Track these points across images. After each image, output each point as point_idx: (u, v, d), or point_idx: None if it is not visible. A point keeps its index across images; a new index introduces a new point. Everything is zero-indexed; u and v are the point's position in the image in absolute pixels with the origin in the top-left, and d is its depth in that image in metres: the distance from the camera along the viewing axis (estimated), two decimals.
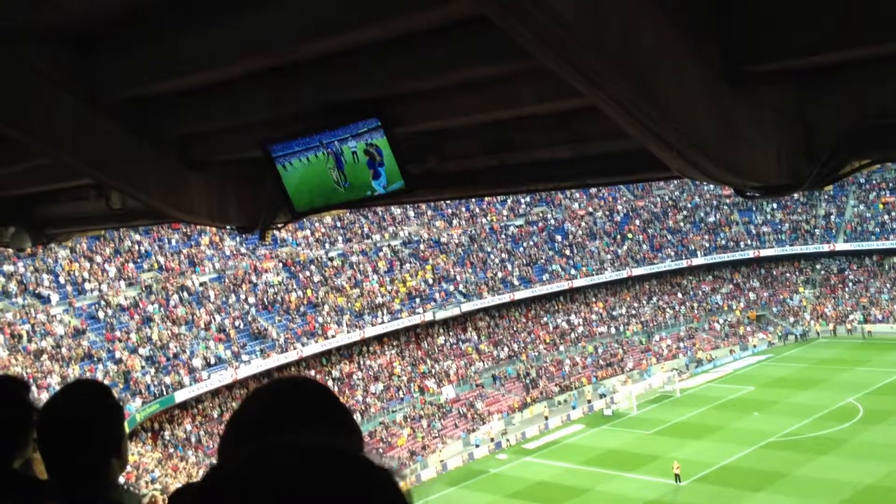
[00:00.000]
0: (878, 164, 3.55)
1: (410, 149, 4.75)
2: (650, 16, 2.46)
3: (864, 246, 66.88)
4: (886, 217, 67.31)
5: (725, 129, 2.82)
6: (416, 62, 3.71)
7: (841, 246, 67.82)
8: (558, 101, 3.77)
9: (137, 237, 48.97)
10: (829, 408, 45.62)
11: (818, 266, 68.98)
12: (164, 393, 41.39)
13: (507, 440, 48.29)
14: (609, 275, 65.21)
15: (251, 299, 50.26)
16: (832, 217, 69.87)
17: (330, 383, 49.67)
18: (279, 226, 6.21)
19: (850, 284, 66.23)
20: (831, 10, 2.48)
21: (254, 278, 51.84)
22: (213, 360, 44.65)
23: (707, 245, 70.41)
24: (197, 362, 43.98)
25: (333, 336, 50.53)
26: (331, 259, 56.24)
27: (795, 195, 62.94)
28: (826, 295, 66.29)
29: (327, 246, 56.92)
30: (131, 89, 4.33)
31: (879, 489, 34.51)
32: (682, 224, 72.30)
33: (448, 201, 56.12)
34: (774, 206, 71.27)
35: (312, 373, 49.80)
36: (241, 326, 48.16)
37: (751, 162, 2.98)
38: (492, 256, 62.71)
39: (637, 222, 71.23)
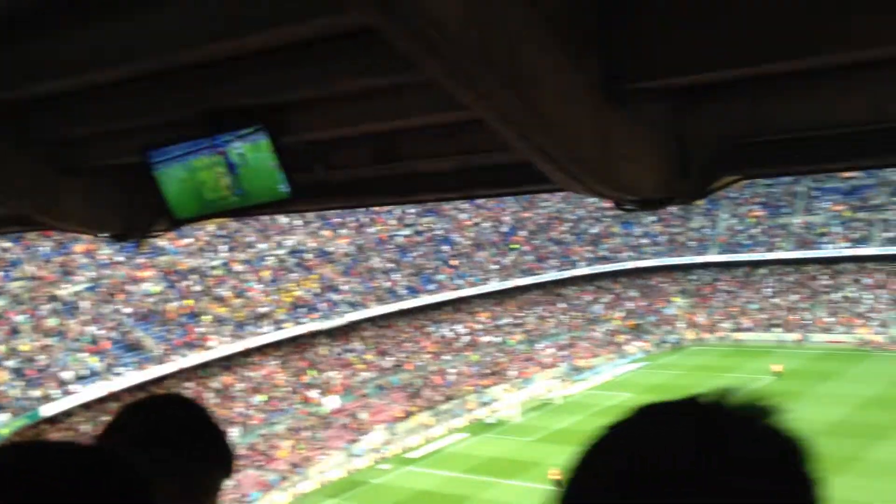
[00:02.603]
0: (748, 180, 3.73)
1: (297, 158, 4.70)
2: (535, 30, 2.52)
3: (735, 258, 69.99)
4: (755, 230, 70.68)
5: (605, 145, 2.91)
6: (303, 71, 3.68)
7: (714, 257, 70.79)
8: (446, 112, 3.80)
9: (6, 244, 46.69)
10: None
11: (692, 277, 71.74)
12: (32, 407, 39.52)
13: (390, 450, 48.20)
14: (494, 285, 66.06)
15: (127, 309, 48.60)
16: (706, 230, 72.84)
17: (209, 396, 48.47)
18: (158, 234, 6.04)
19: (722, 294, 69.13)
20: (706, 32, 2.59)
21: (131, 288, 50.16)
22: (85, 373, 42.91)
23: (589, 256, 72.23)
24: (67, 375, 42.17)
25: (214, 347, 49.34)
26: (213, 268, 54.97)
27: (671, 208, 65.30)
28: (699, 304, 68.95)
29: (209, 254, 55.62)
30: (2, 92, 4.15)
31: None
32: (565, 235, 73.95)
33: (336, 211, 55.74)
34: (653, 218, 73.74)
35: (192, 385, 48.49)
36: (117, 338, 46.48)
37: (628, 176, 3.09)
38: (379, 266, 62.61)
39: (522, 233, 72.46)
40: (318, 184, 4.98)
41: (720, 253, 70.80)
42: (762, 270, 69.02)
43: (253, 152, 4.63)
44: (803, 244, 67.88)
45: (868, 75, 2.81)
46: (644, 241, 73.75)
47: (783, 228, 69.69)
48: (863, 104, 2.95)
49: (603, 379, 58.13)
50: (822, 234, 67.67)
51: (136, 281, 50.74)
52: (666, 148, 3.14)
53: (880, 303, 61.54)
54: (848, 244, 65.88)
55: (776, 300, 65.98)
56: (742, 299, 67.53)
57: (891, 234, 64.48)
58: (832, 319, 62.08)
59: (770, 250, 68.81)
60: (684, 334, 65.83)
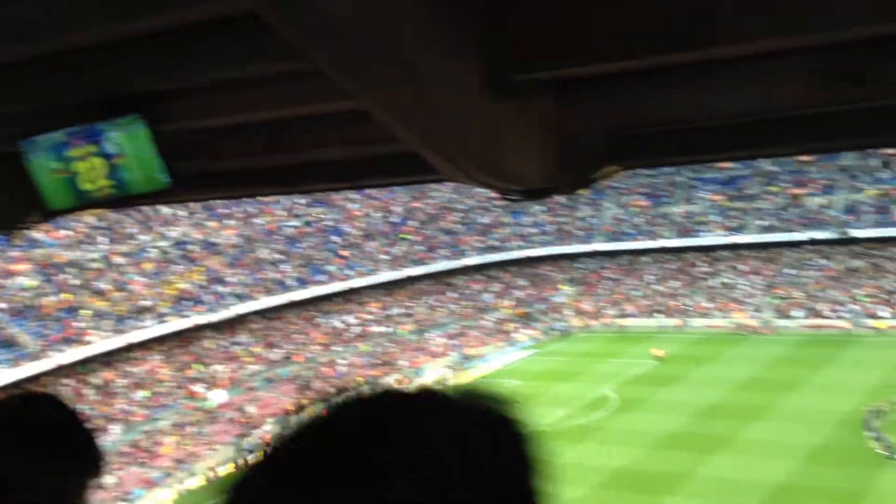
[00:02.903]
0: (628, 171, 3.83)
1: (179, 146, 4.56)
2: (421, 22, 2.51)
3: (620, 246, 72.03)
4: (638, 219, 72.89)
5: (492, 136, 2.94)
6: (183, 58, 3.57)
7: (599, 246, 72.65)
8: (336, 101, 3.76)
9: None
10: (587, 398, 48.64)
11: (578, 265, 73.43)
12: None
13: None
14: (385, 275, 66.02)
15: (1, 304, 46.41)
16: (592, 219, 74.65)
17: (89, 392, 46.82)
18: (30, 226, 5.78)
19: (607, 282, 71.04)
20: (587, 26, 2.64)
21: (4, 282, 47.90)
22: None
23: (479, 245, 73.00)
24: None
25: (93, 342, 47.63)
26: (92, 261, 53.02)
27: (559, 198, 66.65)
28: (585, 292, 70.64)
29: (88, 247, 53.61)
30: None
31: (631, 473, 37.33)
32: (455, 225, 74.50)
33: (222, 201, 54.56)
34: (541, 208, 75.08)
35: (71, 381, 46.71)
36: None
37: (514, 167, 3.13)
38: (267, 257, 61.66)
39: (413, 223, 72.62)
40: (202, 173, 4.85)
41: (605, 241, 72.70)
42: (645, 258, 71.25)
43: (130, 141, 4.47)
44: (683, 233, 70.38)
45: (743, 69, 2.92)
46: (532, 230, 75.03)
47: (665, 218, 72.08)
48: (738, 97, 3.06)
49: (493, 367, 58.88)
50: (701, 223, 70.33)
51: (9, 275, 48.50)
52: (550, 139, 3.20)
53: (755, 288, 64.44)
54: (725, 232, 68.68)
55: (658, 287, 68.21)
56: (626, 286, 69.52)
57: (765, 223, 67.59)
58: (710, 305, 64.62)
59: (652, 239, 71.07)
60: (571, 321, 67.31)
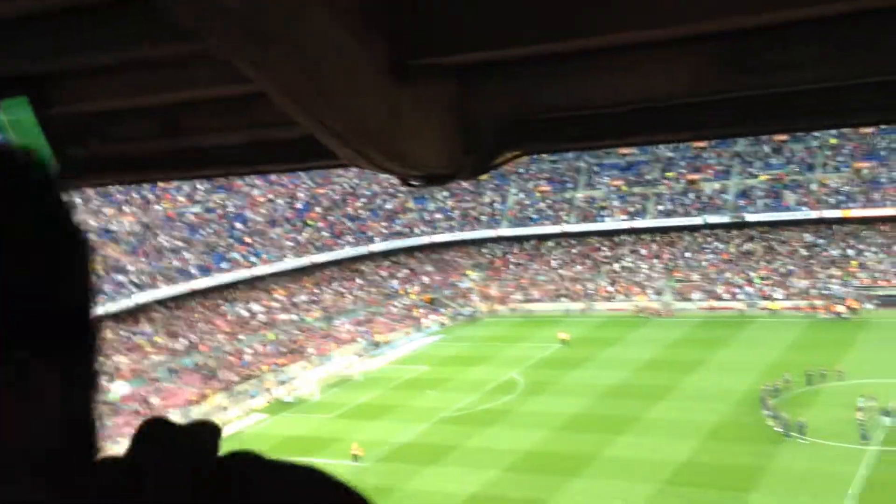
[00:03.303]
0: (528, 156, 3.87)
1: (68, 130, 4.39)
2: (318, 7, 2.47)
3: (525, 231, 72.98)
4: (542, 204, 73.95)
5: (391, 121, 2.92)
6: (70, 39, 3.43)
7: (504, 231, 73.46)
8: (232, 85, 3.67)
9: None
10: (495, 381, 49.24)
11: (484, 250, 74.10)
12: None
13: None
14: (290, 262, 65.31)
15: None
16: (496, 204, 75.36)
17: None
18: None
19: (513, 267, 71.91)
20: (484, 12, 2.65)
21: None
22: None
23: (385, 231, 72.87)
24: None
25: None
26: None
27: (463, 183, 67.10)
28: (491, 277, 71.37)
29: None
30: None
31: (538, 454, 38.01)
32: (361, 211, 74.17)
33: (118, 187, 52.96)
34: (446, 193, 75.44)
35: None
36: None
37: (415, 152, 3.12)
38: (167, 245, 60.20)
39: (318, 209, 71.98)
40: (93, 158, 4.68)
41: (510, 227, 73.52)
42: (549, 243, 72.40)
43: (14, 125, 4.28)
44: (586, 218, 71.77)
45: (637, 56, 2.97)
46: (438, 216, 75.32)
47: (568, 203, 73.32)
48: (633, 84, 3.12)
49: (401, 353, 59.02)
50: (603, 208, 71.84)
51: None
52: (451, 124, 3.20)
53: (655, 272, 66.26)
54: (625, 217, 70.34)
55: (562, 271, 69.43)
56: (531, 271, 70.53)
57: (663, 208, 69.48)
58: (613, 289, 66.17)
59: (556, 224, 72.24)
60: (478, 306, 67.91)
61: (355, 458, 39.08)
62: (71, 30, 3.41)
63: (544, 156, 63.75)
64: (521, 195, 75.44)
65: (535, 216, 73.47)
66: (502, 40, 2.65)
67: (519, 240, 73.51)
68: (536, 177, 75.85)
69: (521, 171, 75.40)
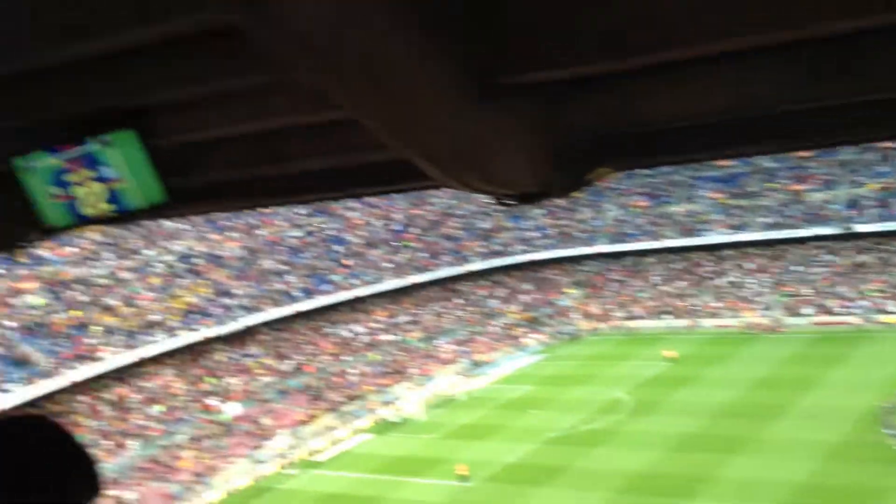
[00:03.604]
0: (621, 172, 3.81)
1: (171, 161, 4.56)
2: (401, 29, 2.50)
3: (623, 247, 71.90)
4: (640, 220, 72.76)
5: (479, 141, 2.93)
6: (171, 71, 3.57)
7: (602, 248, 72.52)
8: (322, 112, 3.76)
9: None
10: (600, 401, 48.53)
11: (583, 267, 73.31)
12: None
13: (296, 454, 47.62)
14: (389, 283, 66.01)
15: (11, 323, 46.50)
16: (593, 221, 74.55)
17: (104, 409, 46.90)
18: (30, 244, 5.77)
19: (612, 284, 70.89)
20: (574, 26, 2.63)
21: (12, 300, 47.99)
22: None
23: (482, 251, 72.94)
24: None
25: (104, 358, 47.71)
26: (99, 277, 53.11)
27: (558, 201, 66.60)
28: (591, 295, 70.52)
29: (94, 263, 53.71)
30: None
31: (649, 476, 37.15)
32: (457, 231, 74.48)
33: (221, 213, 54.69)
34: (541, 211, 75.05)
35: (86, 398, 46.81)
36: (1, 353, 44.44)
37: (505, 172, 3.11)
38: (271, 268, 61.71)
39: (414, 230, 72.62)
40: (195, 187, 4.85)
41: (608, 243, 72.56)
42: (649, 259, 71.10)
43: (123, 157, 4.47)
44: (687, 232, 70.23)
45: (731, 64, 2.90)
46: (534, 234, 74.96)
47: (667, 217, 71.95)
48: (727, 94, 3.05)
49: (503, 372, 58.83)
50: (704, 222, 70.18)
51: (18, 293, 48.59)
52: (540, 142, 3.18)
53: (763, 287, 64.26)
54: (728, 230, 68.52)
55: (665, 287, 68.06)
56: (632, 288, 69.39)
57: (768, 220, 67.42)
58: (719, 304, 64.45)
59: (656, 239, 70.93)
60: (579, 325, 67.19)
61: (462, 478, 39.07)
62: (172, 63, 3.54)
63: (639, 170, 62.86)
64: (618, 211, 74.43)
65: (633, 232, 72.33)
66: (591, 55, 2.63)
67: (617, 256, 72.46)
68: (633, 192, 74.73)
69: (617, 186, 74.44)
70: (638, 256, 71.66)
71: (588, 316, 68.01)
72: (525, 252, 73.59)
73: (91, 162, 4.60)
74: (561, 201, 71.84)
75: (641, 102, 3.09)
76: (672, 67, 2.91)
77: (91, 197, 4.78)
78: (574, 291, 70.98)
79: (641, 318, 65.94)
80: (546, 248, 73.96)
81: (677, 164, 4.29)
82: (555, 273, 73.52)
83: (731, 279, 66.42)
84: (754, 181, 70.03)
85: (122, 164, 4.51)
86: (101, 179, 4.67)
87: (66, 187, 4.76)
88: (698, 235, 69.60)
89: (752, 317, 61.41)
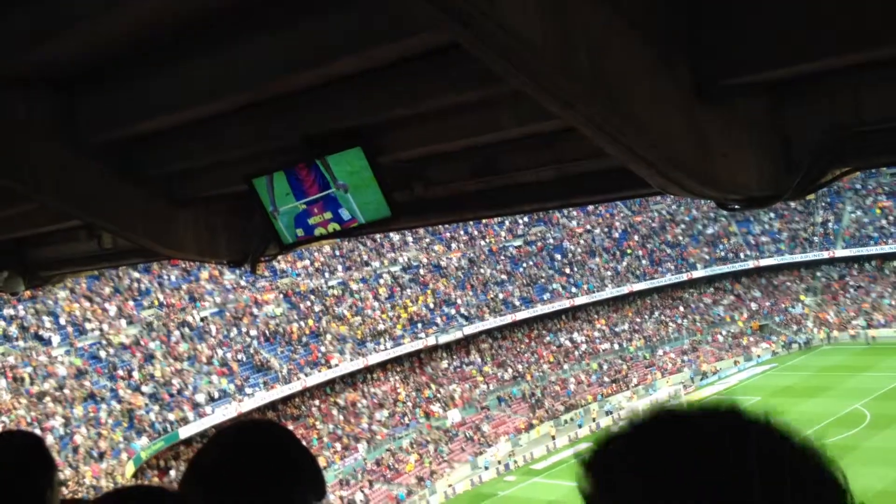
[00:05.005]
0: (859, 171, 3.55)
1: (395, 176, 4.75)
2: (620, 35, 2.47)
3: (864, 251, 66.89)
4: (884, 221, 67.37)
5: (701, 144, 2.83)
6: (395, 90, 3.72)
7: (840, 252, 67.83)
8: (539, 122, 3.78)
9: (136, 275, 48.90)
10: (836, 415, 45.43)
11: (818, 273, 68.95)
12: (169, 430, 41.21)
13: (515, 462, 48.00)
14: (610, 291, 65.16)
15: (253, 332, 50.15)
16: (830, 224, 69.91)
17: (335, 412, 49.50)
18: (269, 258, 6.20)
19: (852, 290, 66.15)
20: (800, 22, 2.49)
21: (255, 311, 51.75)
22: (216, 395, 44.50)
23: (707, 257, 70.40)
24: (200, 397, 43.83)
25: (336, 365, 50.39)
26: (331, 288, 56.18)
27: (792, 204, 63.03)
28: (828, 302, 66.18)
29: (327, 275, 56.88)
30: (113, 131, 4.34)
31: (891, 494, 34.27)
32: (680, 237, 72.33)
33: (445, 225, 56.20)
34: (772, 215, 71.40)
35: (318, 402, 49.65)
36: (244, 359, 48.03)
37: (728, 175, 2.99)
38: (492, 278, 62.66)
39: (636, 237, 71.25)
40: (417, 201, 5.02)
41: (847, 247, 67.77)
42: (893, 263, 65.69)
43: (352, 174, 4.70)
44: None
45: None
46: (764, 239, 71.36)
47: None
48: None
49: (730, 383, 56.49)
50: None
51: (259, 304, 52.30)
52: (766, 144, 3.03)
53: None
54: None
55: None
56: (874, 294, 64.43)
57: None
58: None
59: None
60: (813, 333, 63.28)
61: None
62: (390, 83, 3.70)
63: (883, 169, 58.24)
64: (859, 212, 69.30)
65: (875, 235, 67.08)
66: (819, 51, 2.47)
67: (858, 260, 67.47)
68: (875, 192, 69.34)
69: (858, 186, 69.34)
70: (881, 260, 66.39)
71: (823, 324, 63.84)
72: (754, 258, 70.21)
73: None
74: (793, 205, 67.94)
75: (877, 97, 2.87)
76: None
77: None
78: (808, 299, 66.90)
79: (884, 326, 61.01)
80: (777, 253, 70.18)
81: None
82: (787, 279, 69.62)
83: None
84: None
85: (347, 177, 4.79)
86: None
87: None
88: None
89: None
